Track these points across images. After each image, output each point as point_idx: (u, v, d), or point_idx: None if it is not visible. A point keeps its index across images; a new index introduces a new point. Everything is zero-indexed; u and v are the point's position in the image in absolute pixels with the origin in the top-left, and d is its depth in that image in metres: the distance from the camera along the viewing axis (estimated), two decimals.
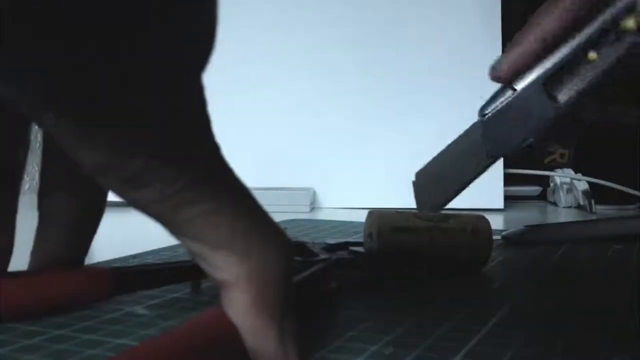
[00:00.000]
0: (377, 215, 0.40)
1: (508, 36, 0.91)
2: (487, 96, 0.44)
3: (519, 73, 0.43)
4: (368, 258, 0.40)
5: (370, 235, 0.40)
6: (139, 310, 0.32)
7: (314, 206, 0.86)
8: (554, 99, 0.42)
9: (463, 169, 0.45)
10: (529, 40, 0.42)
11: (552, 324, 0.30)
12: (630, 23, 0.38)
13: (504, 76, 0.43)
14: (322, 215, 0.77)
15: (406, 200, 0.84)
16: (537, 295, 0.35)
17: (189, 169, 0.21)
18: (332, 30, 0.90)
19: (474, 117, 0.89)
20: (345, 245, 0.42)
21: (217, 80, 0.91)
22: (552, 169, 0.93)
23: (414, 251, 0.39)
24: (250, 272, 0.23)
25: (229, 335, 0.22)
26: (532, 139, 0.42)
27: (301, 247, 0.38)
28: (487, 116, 0.44)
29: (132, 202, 0.22)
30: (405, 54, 0.89)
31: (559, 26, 0.41)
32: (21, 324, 0.29)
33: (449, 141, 0.88)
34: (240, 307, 0.23)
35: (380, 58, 0.89)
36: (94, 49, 0.18)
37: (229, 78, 0.87)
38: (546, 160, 0.98)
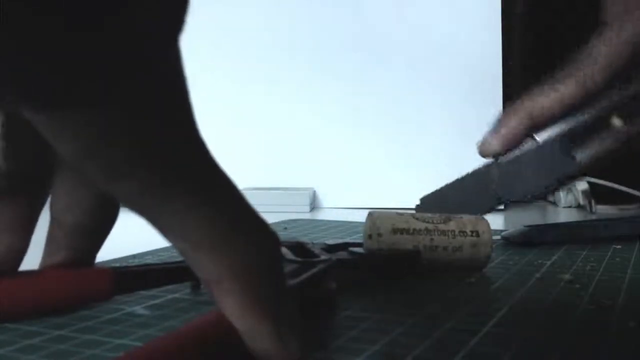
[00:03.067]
0: (377, 216, 0.40)
1: (508, 37, 0.91)
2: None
3: (508, 149, 0.44)
4: (368, 259, 0.40)
5: (370, 236, 0.40)
6: (139, 310, 0.32)
7: (313, 206, 0.86)
8: (572, 157, 0.42)
9: (468, 205, 0.45)
10: (515, 121, 0.44)
11: (552, 324, 0.30)
12: None
13: (494, 153, 0.44)
14: (322, 215, 0.77)
15: (406, 200, 0.84)
16: (537, 295, 0.35)
17: (170, 161, 0.21)
18: (332, 30, 0.90)
19: (471, 118, 0.90)
20: (345, 245, 0.42)
21: (216, 81, 0.92)
22: None
23: (414, 252, 0.40)
24: (235, 269, 0.22)
25: (232, 335, 0.22)
26: (543, 189, 0.43)
27: (301, 248, 0.37)
28: (504, 161, 0.45)
29: (113, 194, 0.21)
30: (406, 54, 0.89)
31: (549, 106, 0.43)
32: (21, 324, 0.29)
33: (448, 141, 0.89)
34: (230, 307, 0.22)
35: (380, 58, 0.89)
36: (63, 35, 0.17)
37: (228, 78, 0.87)
38: None
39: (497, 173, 0.45)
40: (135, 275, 0.34)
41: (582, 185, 0.85)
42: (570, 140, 0.44)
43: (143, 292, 0.35)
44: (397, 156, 0.88)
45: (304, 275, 0.31)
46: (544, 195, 0.47)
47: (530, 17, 1.01)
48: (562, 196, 0.88)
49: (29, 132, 0.29)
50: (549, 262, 0.44)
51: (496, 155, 0.46)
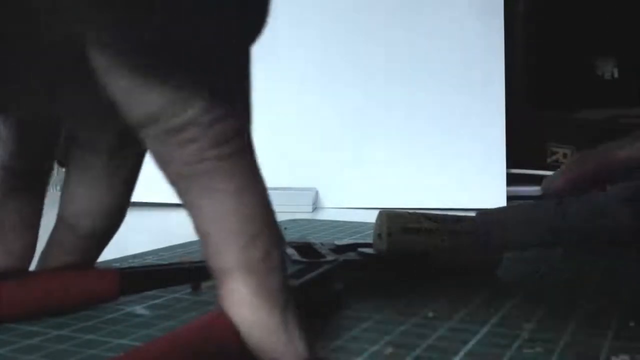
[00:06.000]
0: (387, 215, 0.39)
1: (510, 36, 0.91)
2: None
3: (570, 191, 0.44)
4: (376, 259, 0.40)
5: (379, 235, 0.40)
6: (139, 310, 0.32)
7: (316, 206, 0.86)
8: (636, 216, 0.42)
9: (517, 235, 0.44)
10: (588, 166, 0.44)
11: (552, 324, 0.30)
12: None
13: (557, 191, 0.44)
14: (325, 216, 0.77)
15: (408, 200, 0.84)
16: (537, 295, 0.35)
17: (236, 136, 0.22)
18: (332, 29, 0.90)
19: (474, 117, 0.89)
20: (354, 246, 0.41)
21: None
22: (554, 169, 0.92)
23: (424, 253, 0.39)
24: (251, 261, 0.22)
25: (230, 336, 0.22)
26: (597, 239, 0.43)
27: (308, 248, 0.37)
28: (564, 203, 0.44)
29: (166, 159, 0.22)
30: (408, 54, 0.89)
31: (625, 160, 0.43)
32: (21, 324, 0.30)
33: (451, 141, 0.88)
34: (241, 299, 0.22)
35: (382, 58, 0.89)
36: None
37: None
38: (549, 161, 0.98)
39: (556, 213, 0.45)
40: (142, 276, 0.35)
41: None
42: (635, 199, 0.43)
43: (143, 292, 0.35)
44: (401, 156, 0.88)
45: (307, 276, 0.31)
46: (596, 248, 0.46)
47: (532, 16, 1.01)
48: None
49: (35, 131, 0.30)
50: (549, 262, 0.44)
51: (559, 195, 0.46)
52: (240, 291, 0.22)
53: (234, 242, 0.22)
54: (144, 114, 0.21)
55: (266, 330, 0.22)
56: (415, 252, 0.39)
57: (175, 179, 0.22)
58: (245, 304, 0.22)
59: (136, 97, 0.21)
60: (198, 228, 0.23)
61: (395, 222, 0.39)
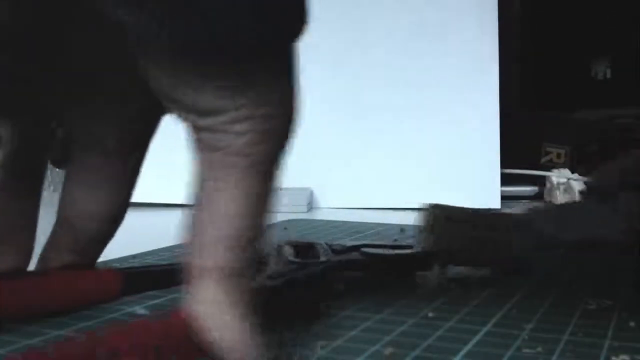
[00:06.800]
0: (434, 210, 0.39)
1: (505, 38, 0.92)
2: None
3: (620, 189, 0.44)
4: (375, 260, 0.39)
5: (431, 226, 0.39)
6: (139, 310, 0.32)
7: (311, 206, 0.86)
8: None
9: (584, 231, 0.44)
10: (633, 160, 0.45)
11: (553, 324, 0.30)
12: None
13: (607, 188, 0.45)
14: (320, 216, 0.77)
15: (402, 200, 0.84)
16: (537, 295, 0.35)
17: (276, 136, 0.25)
18: (329, 29, 0.90)
19: (469, 118, 0.89)
20: (358, 247, 0.41)
21: None
22: (548, 169, 0.93)
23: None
24: (229, 266, 0.23)
25: (188, 335, 0.22)
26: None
27: (310, 248, 0.37)
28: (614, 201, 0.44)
29: (214, 145, 0.23)
30: (403, 55, 0.89)
31: None
32: (21, 324, 0.29)
33: (446, 141, 0.88)
34: (212, 298, 0.23)
35: (377, 59, 0.89)
36: None
37: None
38: (543, 161, 0.98)
39: (609, 215, 0.45)
40: (142, 276, 0.35)
41: (578, 185, 0.85)
42: None
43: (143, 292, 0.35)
44: (395, 156, 0.88)
45: (310, 275, 0.31)
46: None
47: (527, 17, 1.02)
48: (559, 196, 0.88)
49: (32, 132, 0.30)
50: (549, 262, 0.44)
51: (609, 192, 0.46)
52: (212, 291, 0.23)
53: (223, 247, 0.23)
54: (202, 107, 0.22)
55: (232, 331, 0.23)
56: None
57: (212, 166, 0.23)
58: (215, 303, 0.23)
59: (190, 92, 0.22)
60: (196, 222, 0.23)
61: (441, 214, 0.39)
